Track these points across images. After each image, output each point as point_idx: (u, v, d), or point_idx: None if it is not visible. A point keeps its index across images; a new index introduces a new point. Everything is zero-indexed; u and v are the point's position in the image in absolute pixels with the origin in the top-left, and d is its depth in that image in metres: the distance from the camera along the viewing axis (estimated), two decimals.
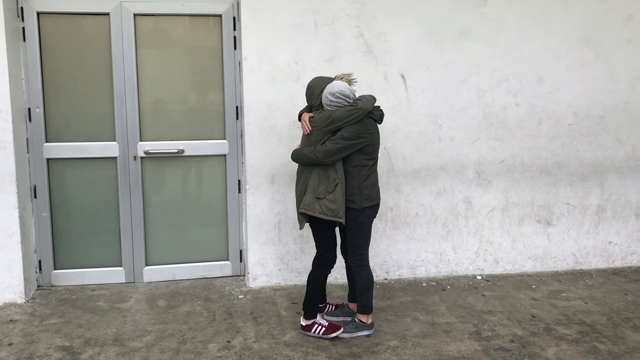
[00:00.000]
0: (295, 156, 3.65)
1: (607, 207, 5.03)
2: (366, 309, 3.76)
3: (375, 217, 3.74)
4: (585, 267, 5.08)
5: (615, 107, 4.91)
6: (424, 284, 4.72)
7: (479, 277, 4.86)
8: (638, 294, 4.52)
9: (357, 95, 3.65)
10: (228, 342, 3.70)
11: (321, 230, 3.67)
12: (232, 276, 4.82)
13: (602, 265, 5.10)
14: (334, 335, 3.71)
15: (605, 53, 4.83)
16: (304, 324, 3.78)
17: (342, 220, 3.56)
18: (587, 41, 4.79)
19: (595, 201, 5.01)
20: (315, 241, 3.74)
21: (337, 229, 3.92)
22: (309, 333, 3.76)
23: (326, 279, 3.76)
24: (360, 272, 3.71)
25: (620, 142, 4.96)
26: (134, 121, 4.51)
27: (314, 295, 3.73)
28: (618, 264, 5.12)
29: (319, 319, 3.78)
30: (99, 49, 4.40)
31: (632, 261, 5.13)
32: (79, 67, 4.40)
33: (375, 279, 4.74)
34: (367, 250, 3.72)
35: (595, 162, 4.96)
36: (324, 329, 3.72)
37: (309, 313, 3.75)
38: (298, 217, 3.68)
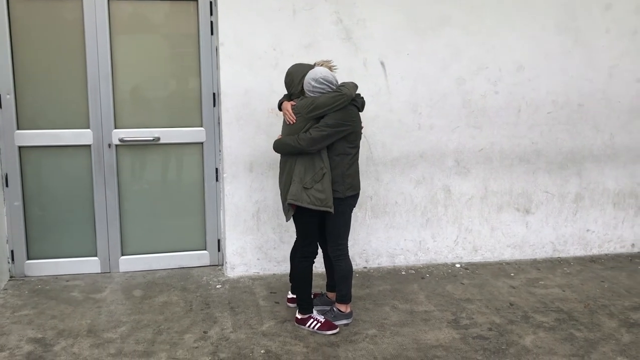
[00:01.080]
0: (278, 146, 3.58)
1: (585, 195, 5.06)
2: (345, 298, 3.74)
3: (355, 206, 3.70)
4: (563, 255, 5.11)
5: (593, 96, 4.92)
6: (403, 273, 4.71)
7: (457, 266, 4.86)
8: (614, 282, 4.56)
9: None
10: (205, 332, 3.66)
11: (307, 221, 3.60)
12: (209, 266, 4.76)
13: (579, 253, 5.13)
14: (329, 333, 3.63)
15: (584, 41, 4.82)
16: (299, 316, 3.72)
17: (332, 210, 3.51)
18: (566, 28, 4.78)
19: (573, 189, 5.03)
20: (298, 232, 3.68)
21: None
22: (303, 327, 3.70)
23: (312, 269, 3.70)
24: (339, 261, 3.67)
25: (598, 131, 4.98)
26: (108, 108, 4.41)
27: (304, 288, 3.68)
28: (595, 251, 5.16)
29: (315, 314, 3.71)
30: (72, 34, 4.29)
31: (609, 249, 5.17)
32: (51, 53, 4.28)
33: (354, 267, 4.71)
34: (347, 240, 3.69)
35: (574, 150, 4.97)
36: (319, 324, 3.66)
37: (304, 307, 3.70)
38: (284, 209, 3.60)
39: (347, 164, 3.56)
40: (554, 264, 4.95)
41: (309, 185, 3.46)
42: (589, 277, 4.65)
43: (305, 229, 3.61)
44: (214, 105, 4.55)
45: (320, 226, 3.77)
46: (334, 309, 3.77)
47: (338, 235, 3.64)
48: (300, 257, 3.65)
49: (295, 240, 3.83)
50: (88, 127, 4.42)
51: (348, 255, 3.70)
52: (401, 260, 4.84)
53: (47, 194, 4.46)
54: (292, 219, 3.61)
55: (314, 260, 3.68)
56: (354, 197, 3.65)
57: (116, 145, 4.48)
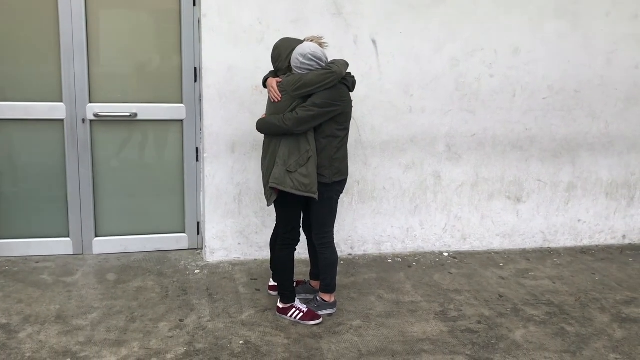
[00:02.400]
0: (261, 126, 3.35)
1: (577, 184, 4.92)
2: (329, 287, 3.56)
3: (342, 192, 3.51)
4: (553, 245, 4.98)
5: (591, 82, 4.76)
6: (389, 260, 4.54)
7: (445, 254, 4.71)
8: (605, 274, 4.44)
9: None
10: (181, 320, 3.47)
11: (289, 207, 3.39)
12: (188, 249, 4.56)
13: (570, 243, 5.01)
14: (312, 323, 3.45)
15: (583, 25, 4.64)
16: (280, 306, 3.54)
17: (316, 196, 3.31)
18: (564, 11, 4.59)
19: (566, 178, 4.88)
20: (278, 218, 3.48)
21: None
22: (285, 317, 3.52)
23: (294, 257, 3.51)
24: (324, 249, 3.49)
25: (594, 118, 4.82)
26: (82, 81, 4.15)
27: (286, 277, 3.49)
28: (586, 242, 5.04)
29: (297, 303, 3.53)
30: (45, 3, 4.01)
31: (599, 240, 5.05)
32: (22, 21, 4.00)
33: (339, 254, 4.52)
34: (333, 228, 3.50)
35: (568, 138, 4.81)
36: (301, 314, 3.48)
37: (285, 297, 3.51)
38: (266, 193, 3.38)
39: (335, 147, 3.35)
40: (543, 255, 4.81)
41: (293, 169, 3.26)
42: (579, 269, 4.52)
43: (287, 215, 3.41)
44: (195, 81, 4.32)
45: (305, 212, 3.59)
46: (318, 298, 3.60)
47: (323, 222, 3.45)
48: (281, 245, 3.46)
49: (275, 226, 3.64)
50: (61, 101, 4.17)
51: (334, 244, 3.52)
52: (388, 248, 4.68)
53: (17, 170, 4.21)
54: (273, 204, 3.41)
55: (296, 247, 3.49)
56: (341, 183, 3.46)
57: (91, 121, 4.23)
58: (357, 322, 3.53)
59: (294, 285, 3.77)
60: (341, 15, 4.22)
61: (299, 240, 3.49)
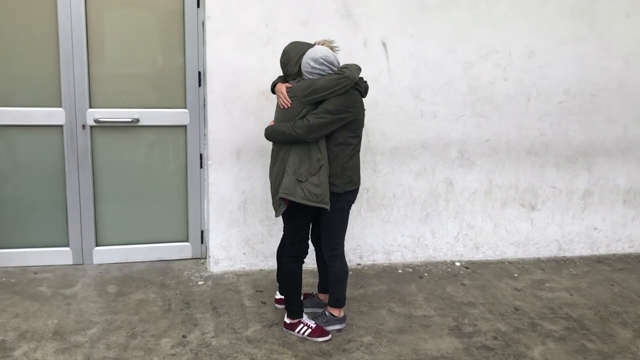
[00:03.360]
0: (270, 133, 3.20)
1: (594, 191, 4.75)
2: (339, 302, 3.41)
3: (354, 202, 3.35)
4: (568, 254, 4.81)
5: (608, 85, 4.59)
6: (399, 271, 4.39)
7: (458, 264, 4.55)
8: (625, 285, 4.28)
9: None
10: (183, 337, 3.32)
11: (299, 218, 3.24)
12: (191, 259, 4.41)
13: (586, 252, 4.84)
14: (320, 340, 3.29)
15: (601, 26, 4.48)
16: (287, 321, 3.38)
17: (328, 207, 3.15)
18: (581, 12, 4.43)
19: (582, 185, 4.72)
20: (286, 229, 3.33)
21: None
22: (292, 333, 3.36)
23: (301, 270, 3.35)
24: (334, 262, 3.33)
25: (612, 123, 4.65)
26: (82, 86, 4.01)
27: (293, 292, 3.33)
28: (602, 251, 4.87)
29: (305, 318, 3.37)
30: (44, 2, 3.86)
31: (616, 248, 4.89)
32: (20, 23, 3.86)
33: (348, 264, 4.30)
34: (343, 239, 3.34)
35: (585, 144, 4.65)
36: (310, 330, 3.32)
37: (293, 312, 3.35)
38: (274, 203, 3.22)
39: (347, 156, 3.20)
40: (559, 264, 4.65)
41: (304, 178, 3.10)
42: (597, 280, 4.36)
43: (296, 226, 3.26)
44: (199, 86, 4.17)
45: (314, 223, 3.43)
46: (326, 313, 3.44)
47: (334, 234, 3.29)
48: (288, 257, 3.31)
49: (282, 237, 3.49)
50: (60, 106, 4.02)
51: (344, 256, 3.36)
52: (398, 258, 4.52)
53: (15, 178, 4.07)
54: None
55: (304, 260, 3.34)
56: (354, 193, 3.30)
57: (91, 127, 4.09)
58: (367, 338, 3.38)
59: (302, 298, 3.62)
60: (350, 17, 4.07)
61: (306, 253, 3.34)
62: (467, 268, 4.49)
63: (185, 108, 4.19)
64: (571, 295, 4.08)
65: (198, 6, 4.06)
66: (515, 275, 4.39)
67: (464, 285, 4.18)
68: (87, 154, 4.11)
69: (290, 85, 3.16)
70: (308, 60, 3.09)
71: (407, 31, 4.18)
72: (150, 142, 4.20)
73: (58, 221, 4.19)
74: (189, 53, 4.11)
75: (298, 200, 3.10)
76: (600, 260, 4.77)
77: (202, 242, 4.41)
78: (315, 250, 3.57)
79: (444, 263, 4.56)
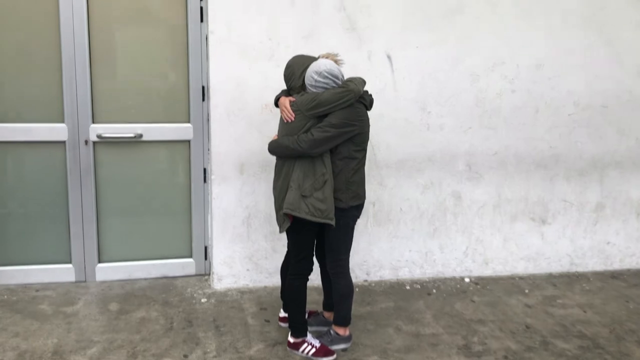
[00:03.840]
0: (274, 148, 3.14)
1: (606, 204, 4.64)
2: (344, 320, 3.32)
3: (359, 217, 3.28)
4: (581, 269, 4.70)
5: (619, 96, 4.50)
6: (407, 287, 4.29)
7: (467, 280, 4.45)
8: None
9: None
10: (185, 356, 3.24)
11: (303, 234, 3.16)
12: (195, 275, 4.34)
13: (599, 267, 4.72)
14: None
15: (611, 36, 4.40)
16: (291, 340, 3.29)
17: (333, 222, 3.07)
18: (591, 22, 4.36)
19: (593, 198, 4.61)
20: (290, 246, 3.25)
21: None
22: (296, 352, 3.27)
23: (306, 287, 3.27)
24: (339, 279, 3.25)
25: (623, 135, 4.55)
26: (85, 101, 3.98)
27: (297, 310, 3.24)
28: (616, 266, 4.75)
29: (309, 337, 3.28)
30: (46, 17, 3.85)
31: (630, 263, 4.76)
32: (22, 38, 3.85)
33: (354, 280, 4.30)
34: (348, 255, 3.26)
35: (596, 156, 4.55)
36: (314, 349, 3.24)
37: (297, 330, 3.27)
38: (278, 219, 3.16)
39: (352, 170, 3.13)
40: (571, 280, 4.53)
41: (308, 193, 3.03)
42: (611, 296, 4.24)
43: (300, 242, 3.19)
44: (203, 100, 4.12)
45: (318, 239, 3.35)
46: (331, 331, 3.35)
47: (338, 250, 3.22)
48: (292, 275, 3.23)
49: (287, 253, 3.41)
50: (62, 122, 3.99)
51: (349, 273, 3.28)
52: (405, 273, 4.43)
53: (16, 194, 4.03)
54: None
55: (309, 277, 3.26)
56: (359, 208, 3.23)
57: (94, 142, 4.05)
58: (373, 358, 3.28)
59: (306, 316, 3.54)
60: (355, 30, 4.02)
61: (311, 270, 3.26)
62: (476, 284, 4.39)
63: (188, 123, 4.15)
64: (584, 312, 3.96)
65: (202, 21, 4.03)
66: (526, 291, 4.28)
67: (474, 301, 4.08)
68: (89, 170, 4.07)
69: (294, 99, 3.10)
70: (312, 73, 3.03)
71: (412, 43, 4.13)
72: (153, 158, 4.15)
73: (60, 238, 4.14)
74: (192, 67, 4.07)
75: (302, 215, 3.03)
76: (614, 275, 4.65)
77: (205, 258, 4.34)
78: (320, 267, 3.49)
79: (453, 279, 4.46)
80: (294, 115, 3.05)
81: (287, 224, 3.11)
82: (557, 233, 4.61)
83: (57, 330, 3.49)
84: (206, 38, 3.97)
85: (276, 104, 3.25)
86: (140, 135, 4.08)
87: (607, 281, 4.52)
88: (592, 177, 4.58)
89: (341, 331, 3.33)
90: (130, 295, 4.01)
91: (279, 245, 4.14)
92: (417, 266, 4.43)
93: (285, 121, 3.10)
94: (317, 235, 3.32)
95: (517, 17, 4.23)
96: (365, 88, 3.24)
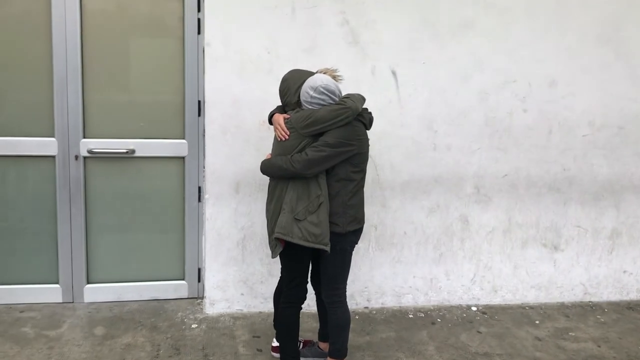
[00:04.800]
0: (266, 168, 2.95)
1: (622, 231, 4.39)
2: (340, 353, 3.09)
3: (357, 243, 3.06)
4: (595, 299, 4.44)
5: (637, 117, 4.28)
6: (410, 315, 4.06)
7: (474, 309, 4.21)
8: None
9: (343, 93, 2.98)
10: None
11: (296, 260, 2.96)
12: (187, 298, 4.14)
13: (614, 297, 4.46)
14: None
15: (628, 54, 4.19)
16: None
17: (327, 248, 2.87)
18: (607, 39, 4.15)
19: (609, 224, 4.37)
20: (284, 272, 3.05)
21: None
22: None
23: (299, 317, 3.05)
24: (335, 309, 3.03)
25: None
26: (76, 115, 3.83)
27: (289, 341, 3.02)
28: (633, 296, 4.49)
29: None
30: (38, 28, 3.72)
31: None
32: (12, 49, 3.71)
33: (354, 307, 4.08)
34: (345, 284, 3.05)
35: (612, 179, 4.31)
36: None
37: None
38: (270, 244, 2.96)
39: (349, 192, 2.93)
40: (585, 310, 4.28)
41: (302, 217, 2.83)
42: (628, 329, 3.98)
43: (293, 269, 2.98)
44: (199, 115, 3.96)
45: (314, 265, 3.15)
46: None
47: (335, 278, 3.00)
48: (285, 303, 3.02)
49: (280, 280, 3.20)
50: (52, 136, 3.84)
51: (346, 302, 3.06)
52: (409, 301, 4.20)
53: (3, 210, 3.87)
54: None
55: (302, 307, 3.04)
56: (357, 233, 3.02)
57: (84, 157, 3.89)
58: None
59: (301, 346, 3.33)
60: (358, 44, 3.84)
61: (304, 299, 3.05)
62: (484, 313, 4.14)
63: (183, 139, 3.98)
64: (599, 347, 3.71)
65: (199, 33, 3.88)
66: (537, 322, 4.03)
67: (480, 333, 3.84)
68: (79, 186, 3.90)
69: (289, 116, 2.91)
70: (307, 89, 2.85)
71: (419, 59, 3.94)
72: (146, 174, 3.98)
73: (48, 256, 3.97)
74: (188, 81, 3.91)
75: (295, 240, 2.83)
76: (630, 306, 4.38)
77: (199, 281, 4.14)
78: (315, 294, 3.28)
79: (459, 307, 4.22)
80: (288, 133, 2.86)
81: (279, 249, 2.91)
82: (570, 260, 4.36)
83: (37, 356, 3.30)
84: (203, 50, 3.81)
85: (270, 121, 3.06)
86: (133, 151, 3.91)
87: (623, 312, 4.26)
88: (607, 201, 4.34)
89: None
90: (118, 318, 3.81)
91: (275, 268, 3.93)
92: (421, 293, 4.20)
93: (279, 139, 2.92)
94: (313, 261, 3.13)
95: (530, 32, 4.04)
96: (368, 105, 3.05)
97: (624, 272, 4.45)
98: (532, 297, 4.35)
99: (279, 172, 2.88)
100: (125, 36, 3.82)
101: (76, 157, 3.88)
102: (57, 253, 3.96)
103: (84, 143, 3.86)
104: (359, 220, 3.01)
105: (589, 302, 4.42)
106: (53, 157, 3.86)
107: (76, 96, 3.81)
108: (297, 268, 2.98)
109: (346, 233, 2.95)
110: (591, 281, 4.41)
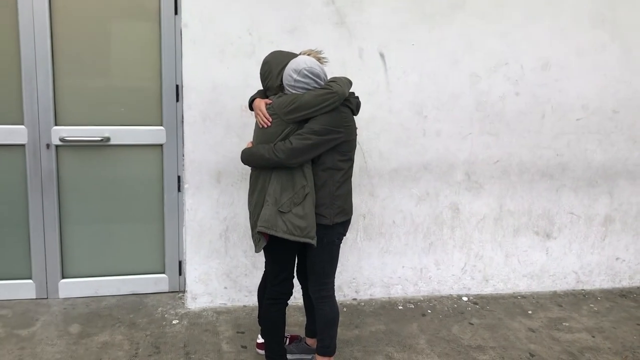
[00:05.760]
0: (247, 157, 2.77)
1: (616, 217, 4.29)
2: (328, 350, 2.95)
3: (345, 235, 2.91)
4: (587, 286, 4.35)
5: (631, 101, 4.16)
6: (400, 307, 3.93)
7: (465, 299, 4.09)
8: None
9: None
10: None
11: (281, 255, 2.81)
12: (168, 292, 3.97)
13: (607, 285, 4.38)
14: None
15: (623, 35, 4.05)
16: None
17: (314, 242, 2.72)
18: (601, 21, 4.01)
19: (602, 210, 4.27)
20: (268, 267, 2.89)
21: None
22: None
23: (284, 314, 2.90)
24: (323, 304, 2.88)
25: (636, 142, 4.21)
26: (47, 101, 3.61)
27: (274, 339, 2.87)
28: (625, 283, 4.41)
29: None
30: (3, 7, 3.47)
31: None
32: None
33: (342, 299, 3.94)
34: (333, 278, 2.90)
35: (605, 165, 4.20)
36: None
37: None
38: (254, 237, 2.78)
39: (337, 182, 2.77)
40: (577, 299, 4.18)
41: (286, 209, 2.67)
42: (621, 318, 3.89)
43: (277, 264, 2.82)
44: (177, 101, 3.76)
45: (300, 259, 3.00)
46: None
47: (322, 272, 2.85)
48: (270, 299, 2.86)
49: (264, 274, 3.05)
50: (22, 123, 3.62)
51: (334, 297, 2.91)
52: (398, 291, 4.07)
53: None
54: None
55: (287, 302, 2.89)
56: (345, 224, 2.86)
57: (56, 146, 3.68)
58: None
59: (287, 342, 3.18)
60: (344, 25, 3.66)
61: (290, 294, 2.90)
62: (475, 303, 4.03)
63: (161, 125, 3.78)
64: (593, 337, 3.61)
65: (176, 13, 3.66)
66: (530, 312, 3.93)
67: (472, 324, 3.72)
68: (52, 177, 3.69)
69: (271, 102, 2.73)
70: (290, 72, 2.67)
71: (408, 41, 3.77)
72: (122, 163, 3.78)
73: (20, 250, 3.77)
74: (165, 64, 3.71)
75: (279, 234, 2.67)
76: (623, 294, 4.30)
77: (180, 274, 3.97)
78: (302, 289, 3.13)
79: (450, 298, 4.10)
80: (270, 119, 2.68)
81: (263, 243, 2.74)
82: (562, 248, 4.26)
83: (7, 358, 3.12)
84: (180, 32, 3.60)
85: (251, 107, 2.88)
86: (108, 139, 3.71)
87: (616, 300, 4.17)
88: (601, 188, 4.23)
89: None
90: (95, 315, 3.64)
91: (260, 261, 3.78)
92: (410, 284, 4.07)
93: (261, 126, 2.74)
94: (299, 255, 2.97)
95: (523, 14, 3.88)
96: (355, 89, 2.88)
97: (617, 259, 4.36)
98: (524, 286, 4.25)
99: (261, 161, 2.70)
100: (98, 17, 3.60)
101: (47, 146, 3.67)
102: (30, 247, 3.76)
103: (55, 131, 3.65)
104: (347, 211, 2.86)
105: (582, 290, 4.33)
106: (23, 145, 3.65)
107: (46, 81, 3.59)
108: (282, 263, 2.83)
109: (334, 225, 2.79)
110: (584, 269, 4.32)
